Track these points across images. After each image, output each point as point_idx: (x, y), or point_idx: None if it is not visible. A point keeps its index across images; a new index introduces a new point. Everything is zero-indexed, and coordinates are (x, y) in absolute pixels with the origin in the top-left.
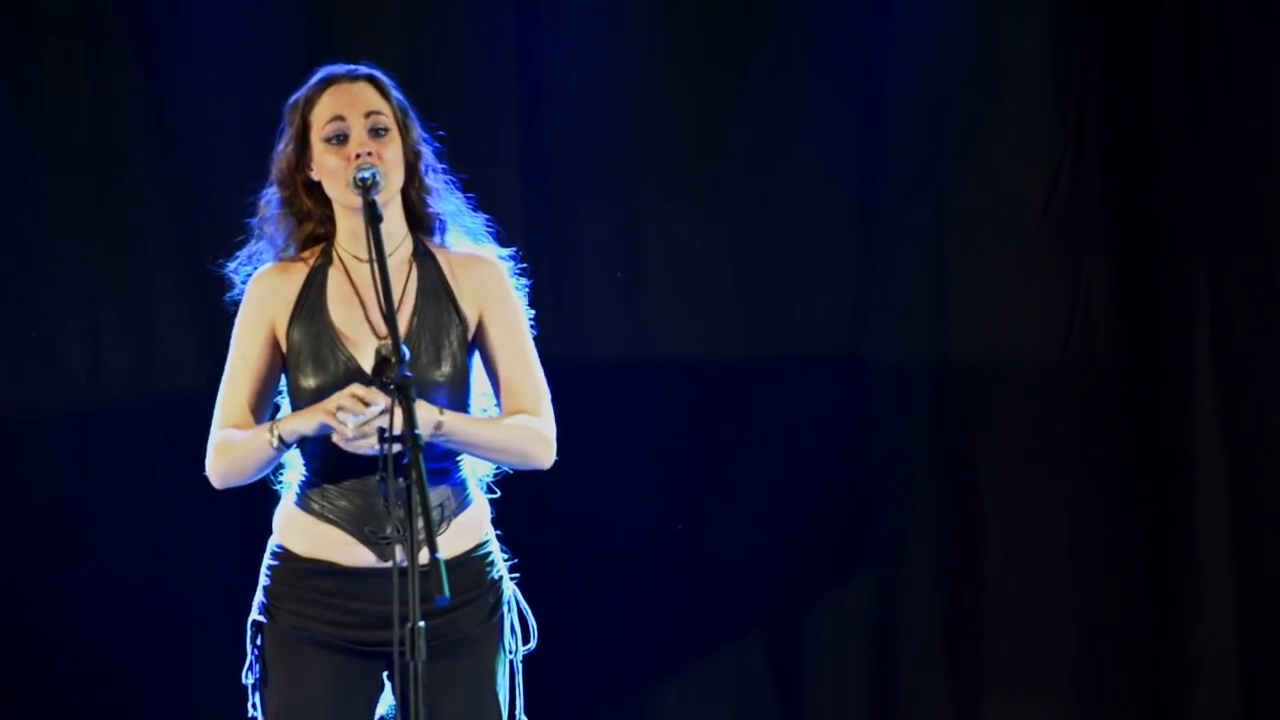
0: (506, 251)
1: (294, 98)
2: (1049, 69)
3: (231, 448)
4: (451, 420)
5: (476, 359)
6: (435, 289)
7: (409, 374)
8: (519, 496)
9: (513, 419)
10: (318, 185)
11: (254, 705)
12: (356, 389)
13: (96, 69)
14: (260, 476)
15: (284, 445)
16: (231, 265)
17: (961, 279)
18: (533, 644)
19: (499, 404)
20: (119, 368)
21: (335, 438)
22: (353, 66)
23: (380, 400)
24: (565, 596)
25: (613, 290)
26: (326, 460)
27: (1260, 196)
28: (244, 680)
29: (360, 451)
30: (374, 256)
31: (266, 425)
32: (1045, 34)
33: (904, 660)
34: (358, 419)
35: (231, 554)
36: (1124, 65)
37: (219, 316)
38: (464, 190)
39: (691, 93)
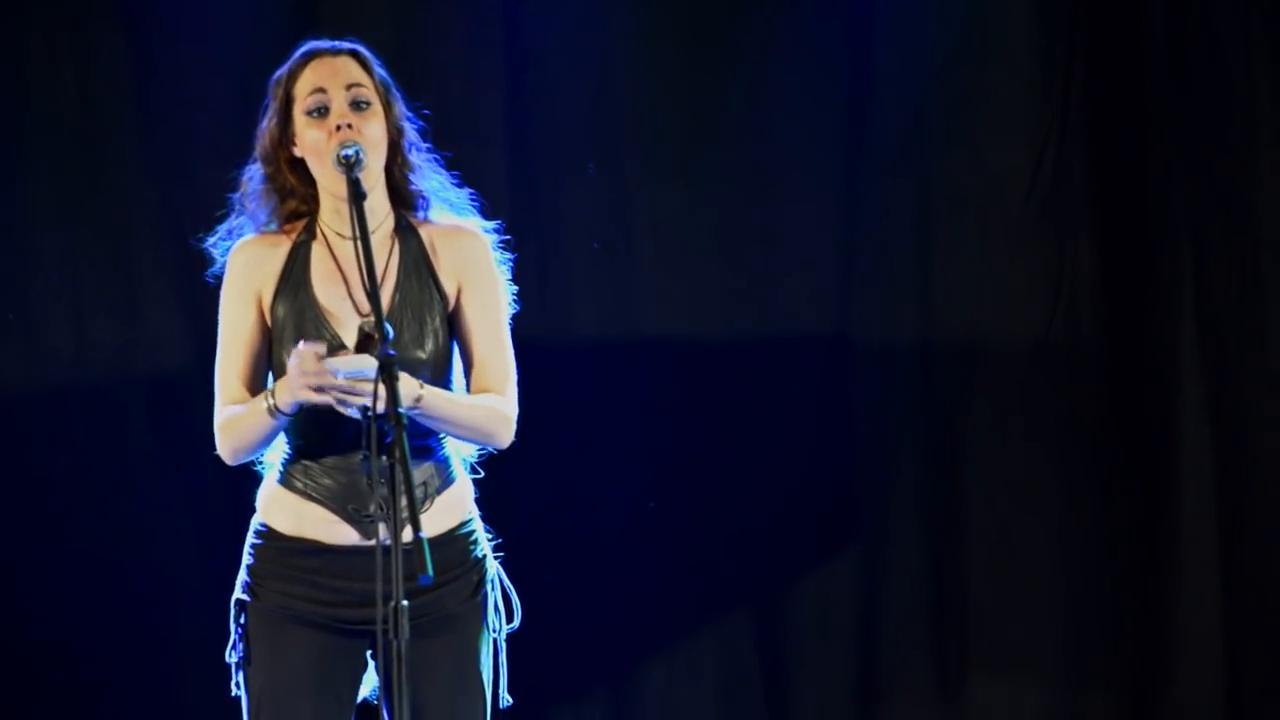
0: (491, 224)
1: (277, 73)
2: (1034, 49)
3: (235, 424)
4: (430, 395)
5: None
6: (418, 265)
7: (393, 352)
8: (503, 475)
9: (481, 398)
10: (301, 162)
11: (237, 684)
12: (302, 347)
13: (80, 47)
14: (269, 447)
15: (282, 414)
16: (211, 240)
17: (946, 258)
18: (516, 623)
19: (466, 377)
20: (103, 346)
21: (328, 398)
22: (336, 41)
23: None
24: (549, 575)
25: (597, 268)
26: (310, 438)
27: (1244, 176)
28: (227, 659)
29: (350, 412)
30: (357, 234)
31: (262, 395)
32: (1031, 13)
33: (889, 640)
34: (348, 372)
35: (215, 532)
36: (1109, 46)
37: (203, 295)
38: (449, 168)
39: (677, 71)
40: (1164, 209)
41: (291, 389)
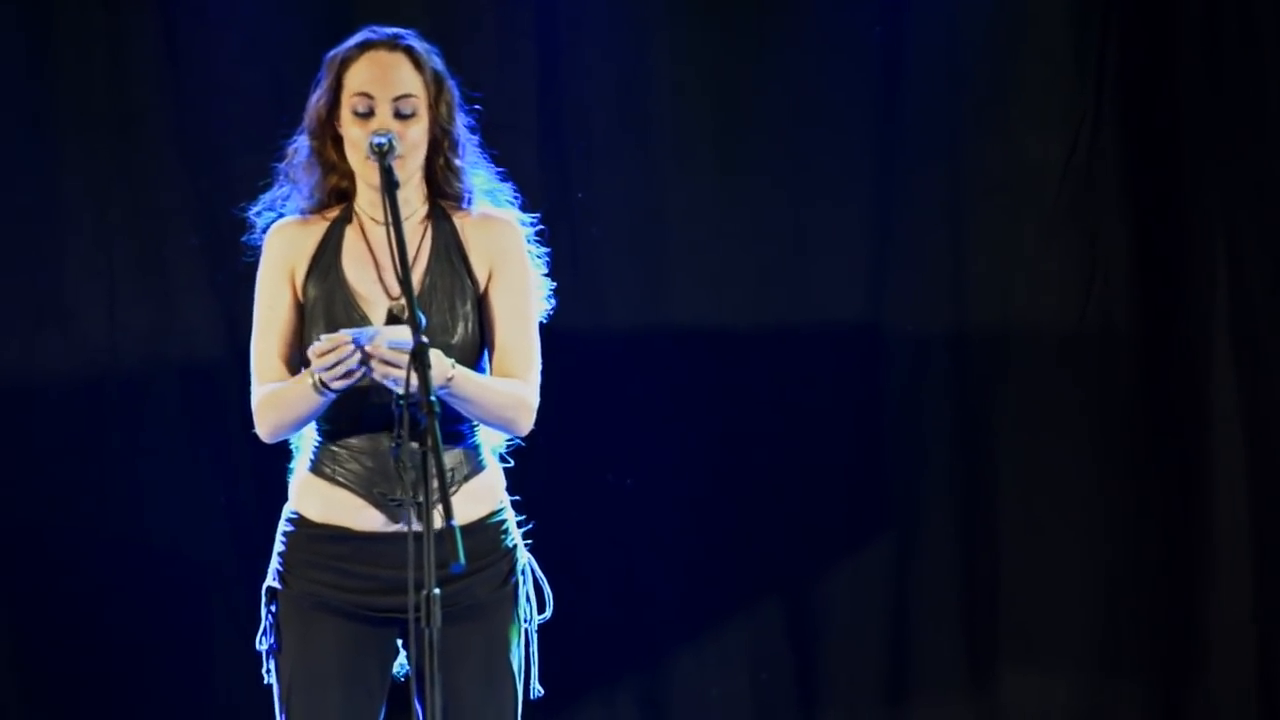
0: (529, 218)
1: (333, 52)
2: (1068, 37)
3: (277, 400)
4: (461, 375)
5: None
6: (449, 251)
7: (425, 339)
8: (535, 465)
9: (506, 382)
10: (343, 141)
11: (268, 671)
12: (319, 346)
13: (114, 32)
14: (309, 424)
15: (330, 391)
16: (254, 210)
17: (979, 248)
18: (548, 613)
19: (489, 360)
20: (136, 333)
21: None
22: (395, 33)
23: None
24: (581, 565)
25: (630, 258)
26: (339, 423)
27: (1278, 165)
28: (258, 646)
29: (388, 382)
30: (390, 222)
31: (307, 371)
32: (1065, 3)
33: (920, 630)
34: (392, 342)
35: (249, 519)
36: (1143, 34)
37: (236, 283)
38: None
39: (709, 61)
40: (1197, 199)
41: (325, 381)
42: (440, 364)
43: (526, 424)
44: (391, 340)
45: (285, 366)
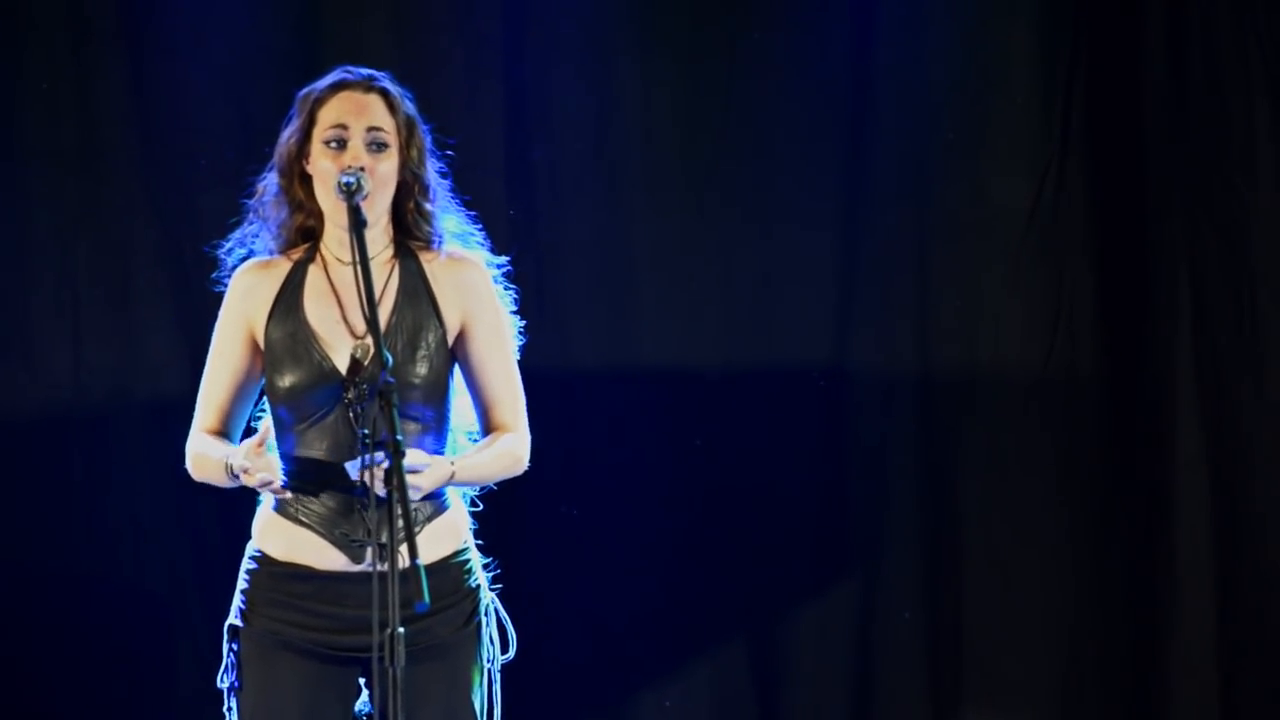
0: (499, 260)
1: (306, 90)
2: (1034, 80)
3: (202, 461)
4: (460, 470)
5: (457, 366)
6: (415, 290)
7: (392, 379)
8: (500, 505)
9: (500, 444)
10: (312, 179)
11: (229, 709)
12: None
13: (81, 69)
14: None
15: (237, 479)
16: (225, 248)
17: (945, 288)
18: (511, 653)
19: (479, 413)
20: (101, 369)
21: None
22: (370, 74)
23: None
24: (543, 604)
25: (597, 298)
26: (303, 464)
27: (1243, 208)
28: (219, 684)
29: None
30: (356, 260)
31: (225, 454)
32: (1031, 44)
33: (884, 668)
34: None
35: (211, 557)
36: (1109, 78)
37: (201, 319)
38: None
39: (676, 101)
40: (1163, 241)
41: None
42: (439, 468)
43: (523, 468)
44: (408, 465)
45: (225, 415)
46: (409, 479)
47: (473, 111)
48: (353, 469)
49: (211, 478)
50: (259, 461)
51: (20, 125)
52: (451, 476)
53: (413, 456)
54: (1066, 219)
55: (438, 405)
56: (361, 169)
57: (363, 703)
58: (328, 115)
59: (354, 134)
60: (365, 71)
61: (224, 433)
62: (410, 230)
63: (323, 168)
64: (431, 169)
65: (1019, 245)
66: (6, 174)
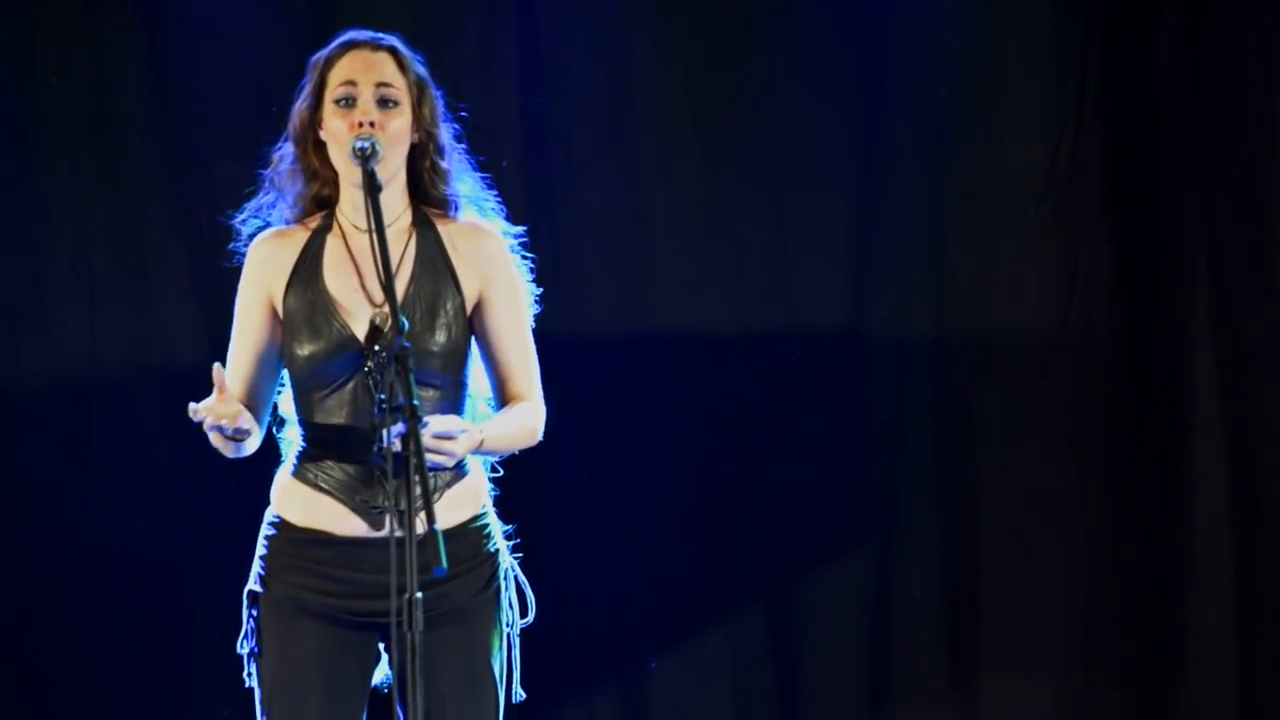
0: (515, 229)
1: (316, 55)
2: (1050, 44)
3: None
4: (490, 439)
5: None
6: (433, 258)
7: (408, 344)
8: (518, 471)
9: (519, 413)
10: (327, 146)
11: (249, 674)
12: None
13: (96, 39)
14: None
15: (229, 438)
16: (240, 218)
17: (961, 255)
18: (530, 618)
19: (493, 383)
20: (118, 340)
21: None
22: (378, 35)
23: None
24: (562, 571)
25: (612, 264)
26: (323, 430)
27: (1260, 174)
28: (239, 650)
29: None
30: (372, 226)
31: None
32: (1047, 8)
33: (901, 638)
34: (438, 431)
35: (230, 524)
36: (1126, 41)
37: (218, 289)
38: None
39: (691, 67)
40: (1179, 206)
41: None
42: (471, 436)
43: (538, 439)
44: (439, 430)
45: (250, 385)
46: (443, 445)
47: (488, 80)
48: (390, 436)
49: (221, 447)
50: (216, 407)
51: (35, 97)
52: (481, 444)
53: (447, 423)
54: (1083, 185)
55: (456, 373)
56: (373, 124)
57: (385, 676)
58: (337, 75)
59: (362, 90)
60: (373, 33)
61: (249, 404)
62: (426, 192)
63: (334, 127)
64: (445, 130)
65: (1035, 212)
66: (22, 145)
